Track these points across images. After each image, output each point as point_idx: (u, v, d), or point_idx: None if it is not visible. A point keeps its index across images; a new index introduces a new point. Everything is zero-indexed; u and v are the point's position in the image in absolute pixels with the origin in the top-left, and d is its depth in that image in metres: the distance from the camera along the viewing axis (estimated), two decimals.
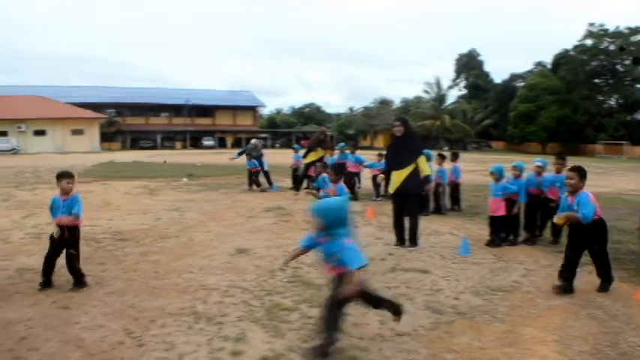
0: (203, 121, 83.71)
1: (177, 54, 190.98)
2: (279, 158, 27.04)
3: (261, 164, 17.37)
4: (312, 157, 15.49)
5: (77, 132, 64.25)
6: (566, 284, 6.27)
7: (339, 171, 7.82)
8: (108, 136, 69.91)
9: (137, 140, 74.79)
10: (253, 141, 18.53)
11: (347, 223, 4.39)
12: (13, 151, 54.78)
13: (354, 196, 14.94)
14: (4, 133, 60.74)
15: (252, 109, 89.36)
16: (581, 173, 6.25)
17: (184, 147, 74.57)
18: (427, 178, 9.10)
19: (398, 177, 8.61)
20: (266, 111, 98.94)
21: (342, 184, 7.78)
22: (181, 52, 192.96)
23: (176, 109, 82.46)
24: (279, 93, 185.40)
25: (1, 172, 25.96)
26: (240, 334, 4.83)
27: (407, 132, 8.84)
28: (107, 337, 4.78)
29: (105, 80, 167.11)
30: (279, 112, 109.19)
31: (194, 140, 77.54)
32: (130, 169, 26.67)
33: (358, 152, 16.93)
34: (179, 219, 11.24)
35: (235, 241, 8.94)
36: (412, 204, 8.77)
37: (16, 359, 4.38)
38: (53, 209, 6.36)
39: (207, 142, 76.47)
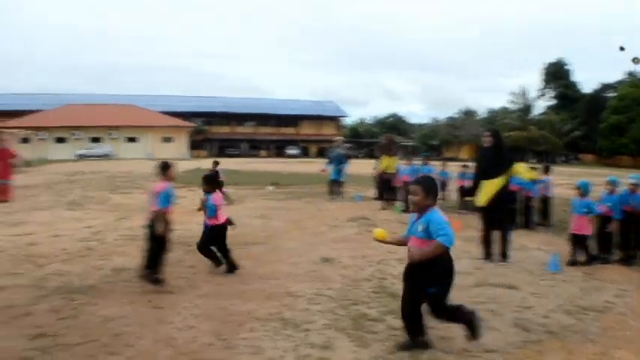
0: (287, 131, 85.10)
1: (264, 65, 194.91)
2: (361, 168, 27.09)
3: (339, 170, 17.38)
4: (380, 166, 15.35)
5: (167, 139, 66.82)
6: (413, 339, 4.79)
7: (210, 181, 7.62)
8: (196, 144, 72.10)
9: (223, 148, 76.75)
10: (337, 138, 18.77)
11: None
12: (107, 157, 57.32)
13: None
14: (98, 140, 63.88)
15: (335, 119, 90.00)
16: (425, 187, 4.70)
17: (269, 155, 75.86)
18: (532, 183, 8.87)
19: (487, 189, 8.46)
20: (349, 121, 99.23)
21: (215, 194, 7.51)
22: (268, 63, 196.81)
23: (261, 119, 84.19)
24: (362, 103, 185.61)
25: (95, 176, 27.29)
26: (326, 342, 4.88)
27: (496, 143, 8.68)
28: (197, 337, 4.95)
29: (195, 90, 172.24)
30: (362, 122, 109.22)
31: (278, 149, 78.80)
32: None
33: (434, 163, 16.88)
34: (265, 226, 11.45)
35: (320, 249, 9.03)
36: (503, 217, 8.59)
37: (112, 354, 4.60)
38: (170, 199, 6.60)
39: (291, 150, 77.52)
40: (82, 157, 56.13)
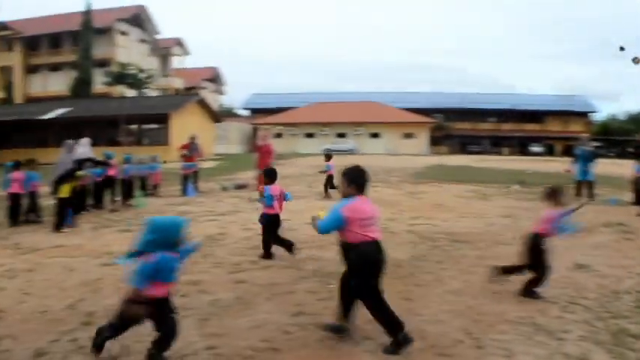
0: (531, 127, 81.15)
1: (504, 58, 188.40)
2: (613, 168, 24.99)
3: (585, 170, 16.19)
4: None
5: (408, 135, 67.98)
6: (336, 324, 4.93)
7: (269, 174, 8.16)
8: (436, 140, 72.20)
9: (464, 145, 75.81)
10: (582, 135, 17.63)
11: (173, 246, 4.11)
12: (351, 152, 59.87)
13: None
14: (343, 135, 67.20)
15: (583, 115, 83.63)
16: (347, 177, 4.86)
17: (511, 153, 73.12)
18: None
19: None
20: (599, 117, 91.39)
21: (273, 186, 8.07)
22: (508, 56, 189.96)
23: (504, 115, 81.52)
24: (614, 97, 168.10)
25: (342, 169, 28.64)
26: (582, 354, 4.60)
27: None
28: (448, 333, 4.98)
29: (435, 86, 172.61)
30: (613, 117, 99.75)
31: (521, 146, 75.65)
32: (459, 173, 27.12)
33: None
34: (513, 226, 11.07)
35: (573, 254, 8.48)
36: None
37: (366, 338, 4.86)
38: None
39: (535, 148, 73.86)
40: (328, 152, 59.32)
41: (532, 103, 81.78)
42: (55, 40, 63.94)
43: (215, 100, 78.69)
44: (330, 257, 7.83)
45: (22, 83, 64.08)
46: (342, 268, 7.28)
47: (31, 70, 65.27)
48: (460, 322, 5.27)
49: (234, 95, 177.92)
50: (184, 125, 37.84)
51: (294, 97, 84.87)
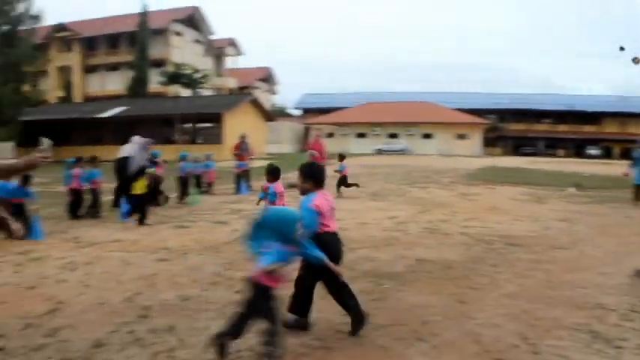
0: (588, 129, 78.89)
1: (562, 59, 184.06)
2: None
3: None
4: None
5: (461, 136, 67.17)
6: (297, 319, 5.02)
7: (272, 172, 8.10)
8: (489, 141, 71.05)
9: (518, 146, 74.41)
10: (639, 138, 17.14)
11: (287, 240, 4.05)
12: (402, 152, 59.55)
13: None
14: (395, 135, 66.92)
15: None
16: (303, 173, 4.96)
17: (567, 155, 71.36)
18: None
19: None
20: None
21: (276, 184, 8.00)
22: (566, 56, 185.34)
23: (559, 116, 79.67)
24: None
25: (394, 170, 28.58)
26: None
27: None
28: (502, 337, 4.89)
29: (488, 87, 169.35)
30: None
31: (577, 148, 73.76)
32: (513, 175, 26.58)
33: None
34: (568, 230, 10.81)
35: (632, 261, 8.19)
36: None
37: (419, 340, 4.81)
38: None
39: (592, 151, 71.84)
40: (380, 152, 59.19)
41: (589, 103, 79.40)
42: (112, 41, 65.59)
43: (267, 100, 79.49)
44: (384, 258, 7.83)
45: (81, 83, 65.99)
46: (395, 268, 7.34)
47: (89, 69, 67.13)
48: (515, 326, 5.17)
49: (287, 95, 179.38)
50: (237, 124, 38.31)
51: (346, 96, 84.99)
